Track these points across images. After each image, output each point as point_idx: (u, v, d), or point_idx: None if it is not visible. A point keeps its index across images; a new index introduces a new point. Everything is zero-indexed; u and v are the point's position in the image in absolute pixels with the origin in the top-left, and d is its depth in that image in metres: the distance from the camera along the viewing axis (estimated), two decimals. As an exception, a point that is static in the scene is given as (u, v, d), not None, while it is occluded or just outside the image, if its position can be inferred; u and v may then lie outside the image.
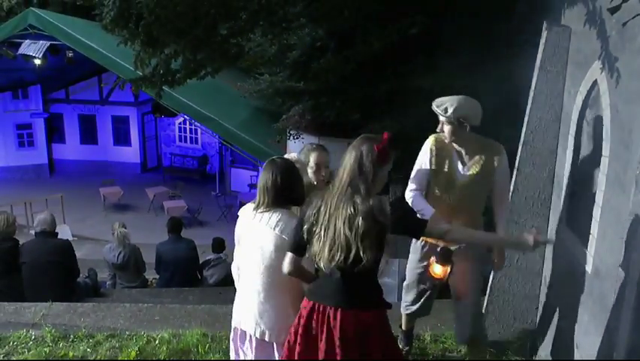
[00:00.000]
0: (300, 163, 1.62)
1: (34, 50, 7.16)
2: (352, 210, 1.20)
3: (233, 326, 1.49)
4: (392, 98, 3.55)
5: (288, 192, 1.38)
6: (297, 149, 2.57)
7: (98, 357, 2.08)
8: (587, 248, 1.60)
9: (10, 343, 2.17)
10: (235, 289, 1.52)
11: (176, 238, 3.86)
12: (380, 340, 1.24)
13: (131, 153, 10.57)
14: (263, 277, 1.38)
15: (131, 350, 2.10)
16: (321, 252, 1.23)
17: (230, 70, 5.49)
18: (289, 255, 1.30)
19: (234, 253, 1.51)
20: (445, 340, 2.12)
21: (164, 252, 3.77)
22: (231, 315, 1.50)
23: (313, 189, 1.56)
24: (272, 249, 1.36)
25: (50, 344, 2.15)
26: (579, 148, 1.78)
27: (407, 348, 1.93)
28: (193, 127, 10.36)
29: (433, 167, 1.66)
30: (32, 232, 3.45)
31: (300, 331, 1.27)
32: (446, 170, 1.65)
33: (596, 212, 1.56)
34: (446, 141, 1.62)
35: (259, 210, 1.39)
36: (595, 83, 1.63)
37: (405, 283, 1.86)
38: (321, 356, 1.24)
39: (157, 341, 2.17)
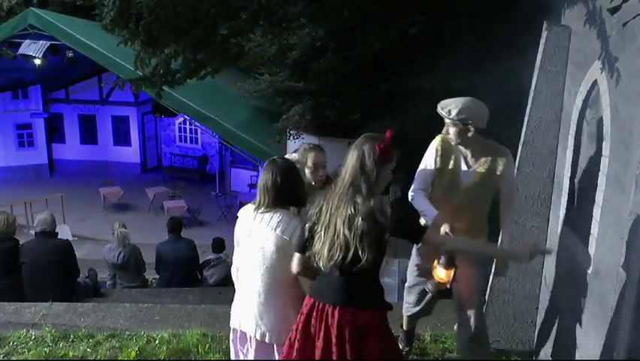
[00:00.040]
0: (301, 164, 1.61)
1: (34, 50, 7.16)
2: (353, 210, 1.21)
3: (232, 327, 1.48)
4: (392, 98, 3.55)
5: (288, 192, 1.38)
6: (297, 149, 2.57)
7: (98, 357, 2.08)
8: (587, 248, 1.60)
9: (10, 343, 2.17)
10: (235, 289, 1.52)
11: (176, 238, 3.86)
12: (377, 340, 1.24)
13: (131, 153, 10.57)
14: (263, 278, 1.37)
15: (131, 350, 2.10)
16: (321, 251, 1.24)
17: (231, 70, 5.49)
18: (297, 255, 1.31)
19: (234, 255, 1.50)
20: (445, 340, 2.12)
21: (164, 252, 3.77)
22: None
23: (311, 189, 1.55)
24: (273, 250, 1.35)
25: (50, 344, 2.15)
26: (579, 148, 1.78)
27: (407, 348, 1.93)
28: (193, 127, 10.36)
29: (438, 167, 1.64)
30: (32, 231, 3.45)
31: (300, 328, 1.29)
32: (450, 170, 1.63)
33: (596, 212, 1.56)
34: (452, 143, 1.60)
35: (259, 211, 1.38)
36: (595, 83, 1.63)
37: (407, 285, 1.85)
38: (317, 353, 1.25)
39: (157, 341, 2.17)
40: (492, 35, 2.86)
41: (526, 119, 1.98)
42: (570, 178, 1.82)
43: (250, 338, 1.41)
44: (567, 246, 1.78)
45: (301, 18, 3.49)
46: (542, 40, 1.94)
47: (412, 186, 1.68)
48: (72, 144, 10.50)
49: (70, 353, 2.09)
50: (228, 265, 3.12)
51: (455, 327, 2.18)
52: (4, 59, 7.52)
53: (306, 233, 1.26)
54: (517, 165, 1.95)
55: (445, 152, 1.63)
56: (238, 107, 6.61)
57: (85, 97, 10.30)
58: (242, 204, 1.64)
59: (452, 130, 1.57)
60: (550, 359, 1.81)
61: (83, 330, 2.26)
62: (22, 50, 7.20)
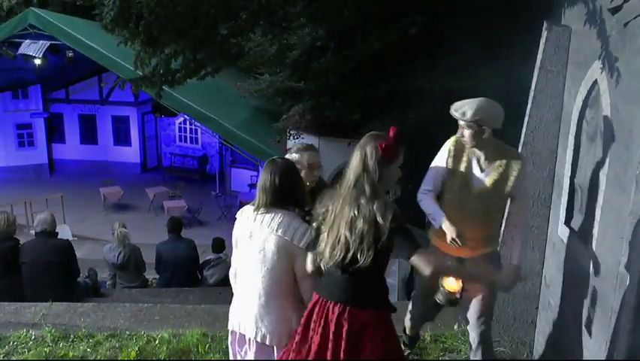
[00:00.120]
0: (301, 164, 1.59)
1: (34, 50, 7.16)
2: (355, 212, 1.21)
3: (230, 329, 1.46)
4: (392, 98, 3.55)
5: (288, 192, 1.37)
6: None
7: (98, 357, 2.08)
8: (587, 248, 1.60)
9: (10, 343, 2.17)
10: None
11: (176, 237, 3.86)
12: (375, 341, 1.24)
13: (131, 153, 10.57)
14: (264, 279, 1.36)
15: (131, 349, 2.10)
16: (324, 251, 1.25)
17: (231, 70, 5.50)
18: (310, 255, 1.32)
19: (232, 257, 1.48)
20: (445, 340, 2.12)
21: (164, 252, 3.77)
22: (232, 315, 1.49)
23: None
24: (274, 251, 1.34)
25: (50, 344, 2.16)
26: (579, 148, 1.78)
27: (409, 351, 1.92)
28: (193, 127, 10.36)
29: (450, 168, 1.58)
30: (32, 231, 3.45)
31: (303, 321, 1.30)
32: (462, 173, 1.56)
33: (596, 212, 1.55)
34: (467, 145, 1.54)
35: (259, 212, 1.37)
36: (595, 82, 1.63)
37: (414, 294, 1.81)
38: (313, 348, 1.26)
39: (157, 341, 2.17)
40: (492, 35, 2.86)
41: (526, 119, 1.98)
42: (570, 178, 1.82)
43: (250, 340, 1.40)
44: (567, 246, 1.78)
45: (301, 18, 3.49)
46: (542, 40, 1.93)
47: (421, 187, 1.63)
48: (72, 143, 10.50)
49: (71, 353, 2.09)
50: (228, 265, 3.11)
51: (455, 327, 2.18)
52: (4, 58, 7.52)
53: (314, 232, 1.28)
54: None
55: (458, 153, 1.57)
56: (238, 107, 6.60)
57: (85, 97, 10.29)
58: (242, 204, 1.63)
59: (467, 132, 1.50)
60: (551, 358, 1.81)
61: (83, 330, 2.26)
62: (22, 50, 7.20)
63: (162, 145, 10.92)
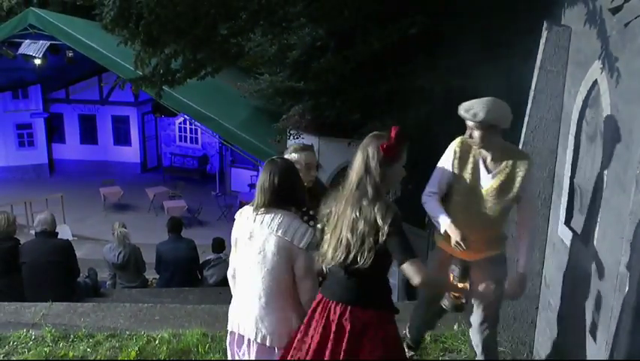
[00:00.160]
0: (298, 164, 1.58)
1: (34, 50, 7.16)
2: (357, 213, 1.22)
3: (230, 330, 1.45)
4: (392, 98, 3.55)
5: (287, 192, 1.36)
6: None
7: (98, 357, 2.08)
8: (587, 248, 1.60)
9: (10, 343, 2.17)
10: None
11: (176, 237, 3.86)
12: (375, 341, 1.24)
13: (131, 153, 10.57)
14: (264, 280, 1.35)
15: (131, 349, 2.10)
16: (327, 252, 1.26)
17: (231, 70, 5.49)
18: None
19: (230, 259, 1.47)
20: (445, 340, 2.12)
21: (164, 252, 3.77)
22: (232, 315, 1.49)
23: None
24: (274, 252, 1.34)
25: (50, 344, 2.16)
26: (579, 148, 1.78)
27: (412, 353, 1.89)
28: (193, 127, 10.36)
29: (455, 170, 1.55)
30: (32, 231, 3.45)
31: (306, 320, 1.32)
32: (469, 175, 1.53)
33: (596, 212, 1.55)
34: (476, 147, 1.51)
35: (259, 213, 1.36)
36: (595, 82, 1.63)
37: (417, 301, 1.79)
38: (313, 346, 1.27)
39: (157, 341, 2.18)
40: (492, 35, 2.86)
41: (526, 119, 1.98)
42: (570, 178, 1.82)
43: (250, 341, 1.40)
44: (567, 246, 1.78)
45: (301, 18, 3.49)
46: (542, 40, 1.93)
47: (426, 189, 1.60)
48: (72, 143, 10.50)
49: (71, 353, 2.09)
50: (228, 265, 3.11)
51: (455, 327, 2.18)
52: (4, 58, 7.52)
53: (319, 233, 1.29)
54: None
55: (464, 155, 1.55)
56: (238, 107, 6.61)
57: (85, 97, 10.29)
58: (242, 204, 1.63)
59: (477, 133, 1.47)
60: (551, 358, 1.81)
61: (83, 330, 2.26)
62: (22, 50, 7.20)
63: (162, 145, 10.92)
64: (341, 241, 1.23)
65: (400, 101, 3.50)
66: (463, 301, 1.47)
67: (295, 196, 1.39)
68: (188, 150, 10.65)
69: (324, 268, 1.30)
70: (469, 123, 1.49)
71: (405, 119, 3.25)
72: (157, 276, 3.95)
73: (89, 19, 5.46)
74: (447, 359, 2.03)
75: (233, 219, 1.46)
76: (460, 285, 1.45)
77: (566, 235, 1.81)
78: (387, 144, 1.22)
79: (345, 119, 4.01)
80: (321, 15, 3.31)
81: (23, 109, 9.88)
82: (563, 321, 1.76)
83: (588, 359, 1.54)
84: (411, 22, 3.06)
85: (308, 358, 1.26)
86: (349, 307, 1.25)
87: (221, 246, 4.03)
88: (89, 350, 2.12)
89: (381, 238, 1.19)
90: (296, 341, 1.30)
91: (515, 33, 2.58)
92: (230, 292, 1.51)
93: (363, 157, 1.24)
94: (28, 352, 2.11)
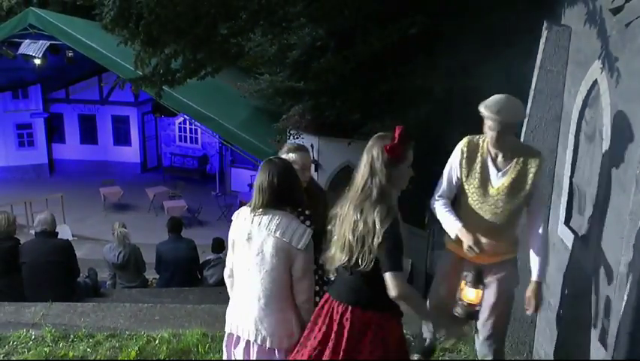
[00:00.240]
0: (297, 164, 1.57)
1: (34, 50, 7.16)
2: (358, 215, 1.22)
3: (227, 331, 1.44)
4: (392, 98, 3.55)
5: (285, 193, 1.34)
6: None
7: (98, 357, 2.08)
8: (586, 248, 1.60)
9: (10, 343, 2.17)
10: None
11: (176, 237, 3.86)
12: (376, 343, 1.24)
13: (131, 153, 10.56)
14: (263, 282, 1.35)
15: (131, 349, 2.10)
16: (333, 254, 1.27)
17: (231, 70, 5.49)
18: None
19: (227, 259, 1.46)
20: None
21: (164, 252, 3.77)
22: (232, 315, 1.49)
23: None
24: (272, 253, 1.33)
25: (50, 344, 2.16)
26: (579, 147, 1.78)
27: (422, 358, 1.82)
28: (193, 127, 10.36)
29: (464, 170, 1.51)
30: (32, 231, 3.45)
31: (312, 318, 1.33)
32: (479, 175, 1.48)
33: (596, 212, 1.55)
34: (491, 145, 1.46)
35: (257, 213, 1.35)
36: (595, 82, 1.63)
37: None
38: (314, 343, 1.27)
39: (157, 341, 2.17)
40: (492, 35, 2.87)
41: (526, 118, 1.98)
42: (570, 178, 1.82)
43: (250, 343, 1.39)
44: (567, 246, 1.78)
45: (301, 18, 3.50)
46: (542, 40, 1.94)
47: (435, 194, 1.56)
48: (72, 143, 10.49)
49: (71, 353, 2.09)
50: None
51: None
52: (4, 58, 7.51)
53: (328, 235, 1.30)
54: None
55: (471, 155, 1.50)
56: (238, 107, 6.61)
57: (85, 97, 10.29)
58: (242, 204, 1.62)
59: (496, 132, 1.41)
60: (550, 358, 1.81)
61: (83, 330, 2.26)
62: (22, 50, 7.20)
63: (162, 145, 10.91)
64: (344, 243, 1.24)
65: (399, 101, 3.51)
66: (477, 309, 1.42)
67: (294, 196, 1.38)
68: (188, 150, 10.65)
69: (331, 269, 1.30)
70: (490, 122, 1.43)
71: (405, 119, 3.25)
72: (157, 276, 3.94)
73: (89, 19, 5.46)
74: (447, 359, 2.03)
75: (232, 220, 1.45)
76: (476, 292, 1.40)
77: (565, 235, 1.81)
78: (390, 144, 1.21)
79: (345, 119, 4.01)
80: (321, 15, 3.32)
81: (23, 109, 9.88)
82: (562, 321, 1.76)
83: (588, 358, 1.53)
84: (411, 22, 3.06)
85: (310, 355, 1.26)
86: (350, 307, 1.25)
87: (221, 246, 4.03)
88: (89, 350, 2.12)
89: (375, 241, 1.19)
90: (303, 338, 1.32)
91: (515, 33, 2.58)
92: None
93: (367, 159, 1.23)
94: (28, 352, 2.11)
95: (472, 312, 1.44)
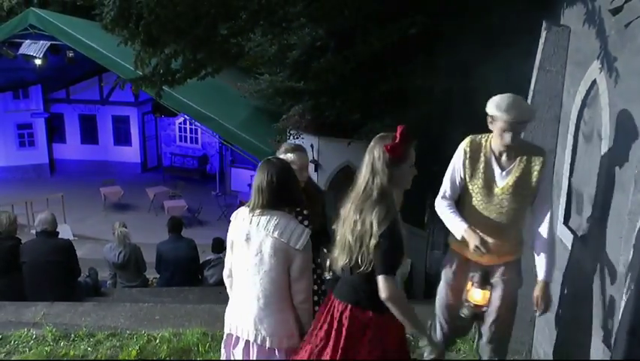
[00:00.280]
0: (295, 165, 1.57)
1: (34, 50, 7.17)
2: (357, 216, 1.22)
3: (227, 332, 1.44)
4: (392, 98, 3.56)
5: (283, 193, 1.34)
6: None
7: (99, 356, 2.08)
8: (586, 247, 1.61)
9: (11, 342, 2.18)
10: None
11: (176, 237, 3.87)
12: (373, 343, 1.24)
13: (131, 153, 10.58)
14: (262, 282, 1.35)
15: (131, 348, 2.11)
16: (337, 255, 1.28)
17: (231, 70, 5.50)
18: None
19: (226, 259, 1.47)
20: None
21: (164, 251, 3.77)
22: (232, 314, 1.49)
23: None
24: (270, 253, 1.33)
25: (51, 343, 2.16)
26: (578, 147, 1.79)
27: None
28: (193, 127, 10.37)
29: (467, 171, 1.49)
30: (33, 231, 3.46)
31: (316, 316, 1.35)
32: (482, 175, 1.47)
33: (595, 212, 1.56)
34: (502, 146, 1.43)
35: (255, 214, 1.35)
36: (594, 82, 1.64)
37: (438, 314, 1.65)
38: (316, 341, 1.29)
39: (157, 340, 2.18)
40: (492, 35, 2.87)
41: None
42: (569, 178, 1.82)
43: (250, 343, 1.39)
44: (566, 245, 1.78)
45: (301, 18, 3.50)
46: (542, 40, 1.94)
47: (439, 196, 1.54)
48: (73, 143, 10.51)
49: (71, 352, 2.10)
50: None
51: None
52: (4, 59, 7.53)
53: (334, 236, 1.31)
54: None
55: (474, 154, 1.48)
56: (238, 107, 6.61)
57: (85, 97, 10.30)
58: (242, 204, 1.62)
59: (512, 132, 1.39)
60: (550, 358, 1.81)
61: (84, 329, 2.27)
62: (22, 50, 7.21)
63: (162, 145, 10.93)
64: (345, 244, 1.25)
65: (399, 101, 3.51)
66: (484, 310, 1.40)
67: (292, 197, 1.38)
68: (188, 150, 10.66)
69: (337, 269, 1.30)
70: (504, 124, 1.39)
71: (405, 119, 3.25)
72: (157, 275, 3.95)
73: (89, 19, 5.46)
74: (446, 358, 2.03)
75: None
76: (482, 293, 1.37)
77: (564, 235, 1.81)
78: (391, 143, 1.21)
79: (345, 119, 4.01)
80: (321, 15, 3.32)
81: (24, 109, 9.89)
82: (561, 320, 1.77)
83: (587, 358, 1.54)
84: (411, 22, 3.07)
85: (312, 352, 1.27)
86: (350, 306, 1.26)
87: (221, 246, 4.04)
88: (89, 349, 2.13)
89: (372, 242, 1.19)
90: (307, 336, 1.33)
91: (515, 33, 2.59)
92: (229, 291, 1.52)
93: (369, 159, 1.23)
94: (30, 351, 2.12)
95: (478, 313, 1.41)
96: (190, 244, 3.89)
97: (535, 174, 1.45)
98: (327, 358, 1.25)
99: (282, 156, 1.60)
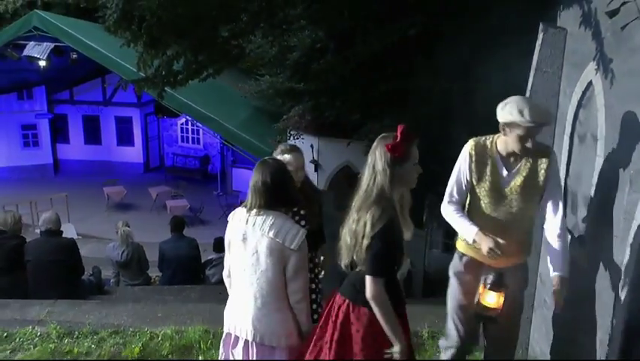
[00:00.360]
0: (292, 165, 1.58)
1: (38, 52, 7.23)
2: (356, 215, 1.24)
3: (226, 331, 1.46)
4: (392, 98, 3.56)
5: (279, 193, 1.35)
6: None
7: (103, 353, 2.11)
8: (582, 247, 1.62)
9: (16, 339, 2.22)
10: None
11: (178, 236, 3.90)
12: (366, 341, 1.25)
13: (134, 153, 10.64)
14: (259, 281, 1.36)
15: (134, 346, 2.14)
16: (341, 253, 1.30)
17: (231, 71, 5.54)
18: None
19: (224, 259, 1.47)
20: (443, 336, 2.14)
21: (166, 250, 3.81)
22: (232, 313, 1.51)
23: None
24: (267, 253, 1.34)
25: (56, 341, 2.20)
26: (573, 148, 1.80)
27: None
28: (195, 127, 10.42)
29: (474, 174, 1.46)
30: (37, 230, 3.50)
31: (322, 311, 1.39)
32: (489, 177, 1.44)
33: (591, 211, 1.57)
34: (520, 148, 1.38)
35: (251, 214, 1.36)
36: (590, 83, 1.65)
37: (450, 317, 1.60)
38: (319, 333, 1.32)
39: (160, 338, 2.21)
40: (492, 35, 2.88)
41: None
42: (565, 178, 1.84)
43: (249, 342, 1.40)
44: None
45: (301, 20, 3.52)
46: (538, 42, 1.95)
47: (444, 200, 1.51)
48: (76, 144, 10.58)
49: (75, 350, 2.13)
50: (229, 264, 3.14)
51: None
52: (8, 60, 7.59)
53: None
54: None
55: (480, 157, 1.45)
56: (239, 108, 6.65)
57: (88, 98, 10.37)
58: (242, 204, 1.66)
59: (532, 138, 1.36)
60: (548, 358, 1.82)
61: (88, 327, 2.30)
62: (26, 52, 7.27)
63: (164, 145, 10.98)
64: (345, 242, 1.27)
65: (399, 101, 3.52)
66: (496, 313, 1.38)
67: (288, 197, 1.39)
68: (190, 150, 10.71)
69: (342, 267, 1.32)
70: (524, 131, 1.35)
71: (405, 120, 3.26)
72: (159, 274, 3.99)
73: (92, 21, 5.52)
74: (447, 358, 2.04)
75: (230, 220, 1.46)
76: (497, 296, 1.35)
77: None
78: (392, 143, 1.21)
79: (344, 120, 4.02)
80: (321, 17, 3.33)
81: (28, 110, 9.97)
82: (558, 319, 1.78)
83: (584, 358, 1.55)
84: (410, 23, 3.07)
85: (316, 345, 1.30)
86: (347, 302, 1.29)
87: (222, 245, 4.03)
88: (93, 346, 2.16)
89: (364, 243, 1.20)
90: (312, 329, 1.37)
91: (515, 33, 2.59)
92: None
93: (372, 160, 1.24)
94: (34, 348, 2.15)
95: (491, 317, 1.38)
96: (192, 243, 3.92)
97: (542, 172, 1.43)
98: (325, 350, 1.27)
99: (278, 157, 1.62)
